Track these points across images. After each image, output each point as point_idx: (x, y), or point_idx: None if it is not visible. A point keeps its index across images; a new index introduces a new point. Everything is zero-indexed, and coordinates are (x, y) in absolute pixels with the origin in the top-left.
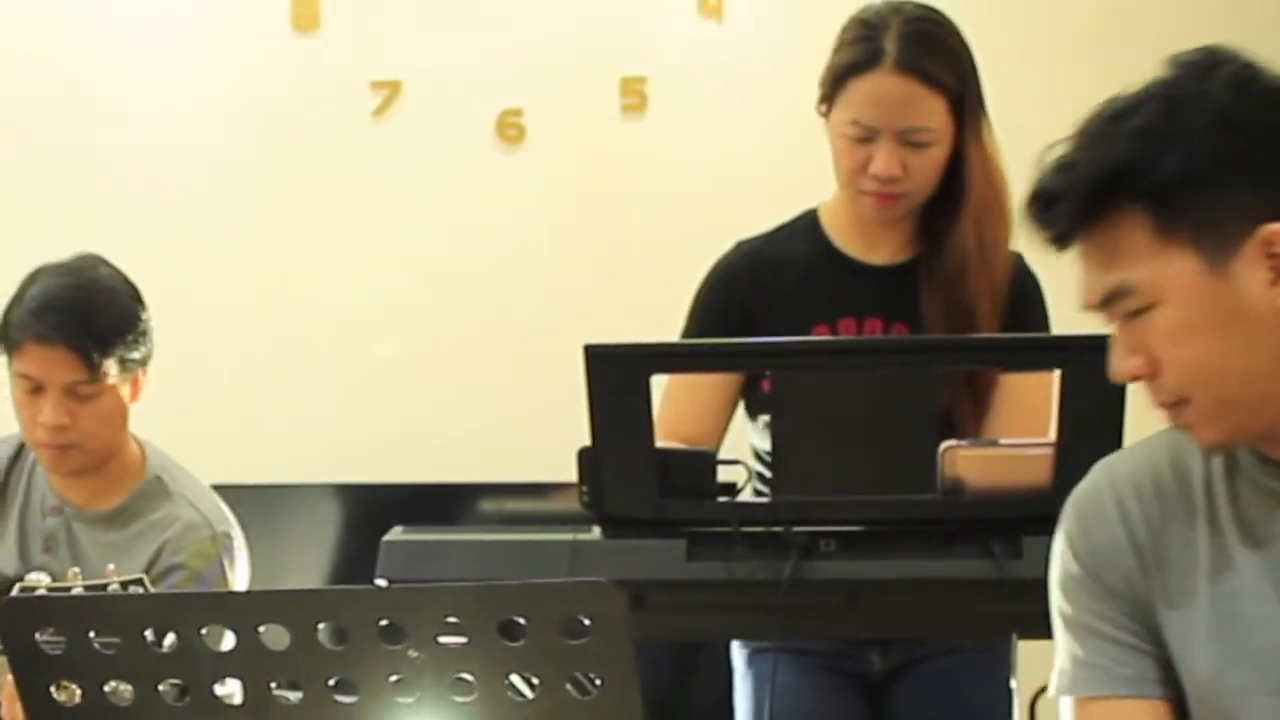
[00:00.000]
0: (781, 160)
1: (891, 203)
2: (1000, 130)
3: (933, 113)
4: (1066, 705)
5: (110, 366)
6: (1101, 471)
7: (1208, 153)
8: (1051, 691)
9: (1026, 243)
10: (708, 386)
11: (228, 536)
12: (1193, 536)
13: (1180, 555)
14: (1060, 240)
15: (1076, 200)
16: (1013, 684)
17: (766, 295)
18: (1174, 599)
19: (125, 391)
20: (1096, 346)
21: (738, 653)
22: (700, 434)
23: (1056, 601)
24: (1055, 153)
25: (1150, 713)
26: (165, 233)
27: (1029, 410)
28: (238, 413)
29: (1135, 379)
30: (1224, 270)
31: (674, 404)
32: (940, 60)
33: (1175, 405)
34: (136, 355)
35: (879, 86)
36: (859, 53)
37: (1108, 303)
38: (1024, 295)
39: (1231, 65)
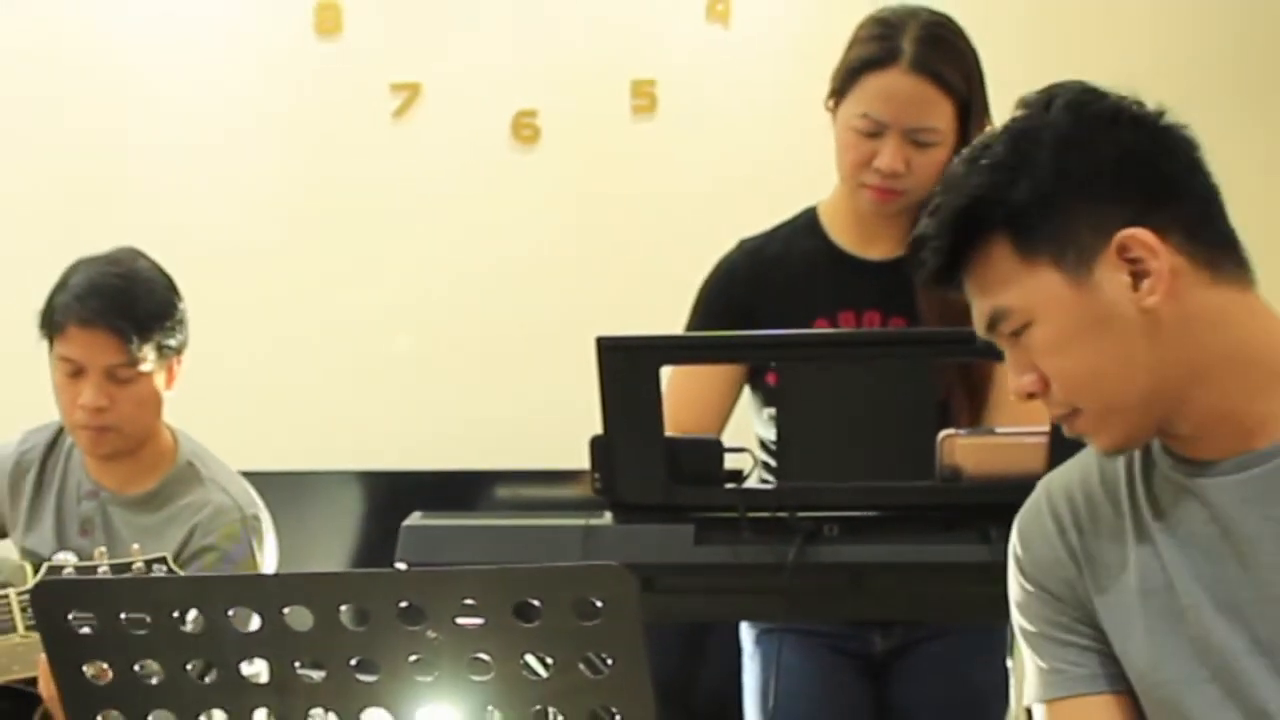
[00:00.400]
0: (784, 160)
1: (890, 198)
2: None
3: (941, 115)
4: (1039, 712)
5: (148, 352)
6: (1040, 489)
7: (1052, 175)
8: (1026, 701)
9: None
10: (709, 377)
11: (256, 520)
12: (1121, 537)
13: (1111, 556)
14: (939, 276)
15: (944, 237)
16: (1009, 664)
17: (769, 290)
18: (1109, 599)
19: (161, 378)
20: None
21: (746, 633)
22: (703, 423)
23: (1017, 620)
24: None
25: (1109, 707)
26: (194, 229)
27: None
28: (264, 402)
29: (1031, 396)
30: (1087, 281)
31: (677, 393)
32: (953, 65)
33: (1069, 417)
34: (173, 342)
35: (893, 84)
36: (876, 50)
37: (992, 326)
38: None
39: (1068, 94)
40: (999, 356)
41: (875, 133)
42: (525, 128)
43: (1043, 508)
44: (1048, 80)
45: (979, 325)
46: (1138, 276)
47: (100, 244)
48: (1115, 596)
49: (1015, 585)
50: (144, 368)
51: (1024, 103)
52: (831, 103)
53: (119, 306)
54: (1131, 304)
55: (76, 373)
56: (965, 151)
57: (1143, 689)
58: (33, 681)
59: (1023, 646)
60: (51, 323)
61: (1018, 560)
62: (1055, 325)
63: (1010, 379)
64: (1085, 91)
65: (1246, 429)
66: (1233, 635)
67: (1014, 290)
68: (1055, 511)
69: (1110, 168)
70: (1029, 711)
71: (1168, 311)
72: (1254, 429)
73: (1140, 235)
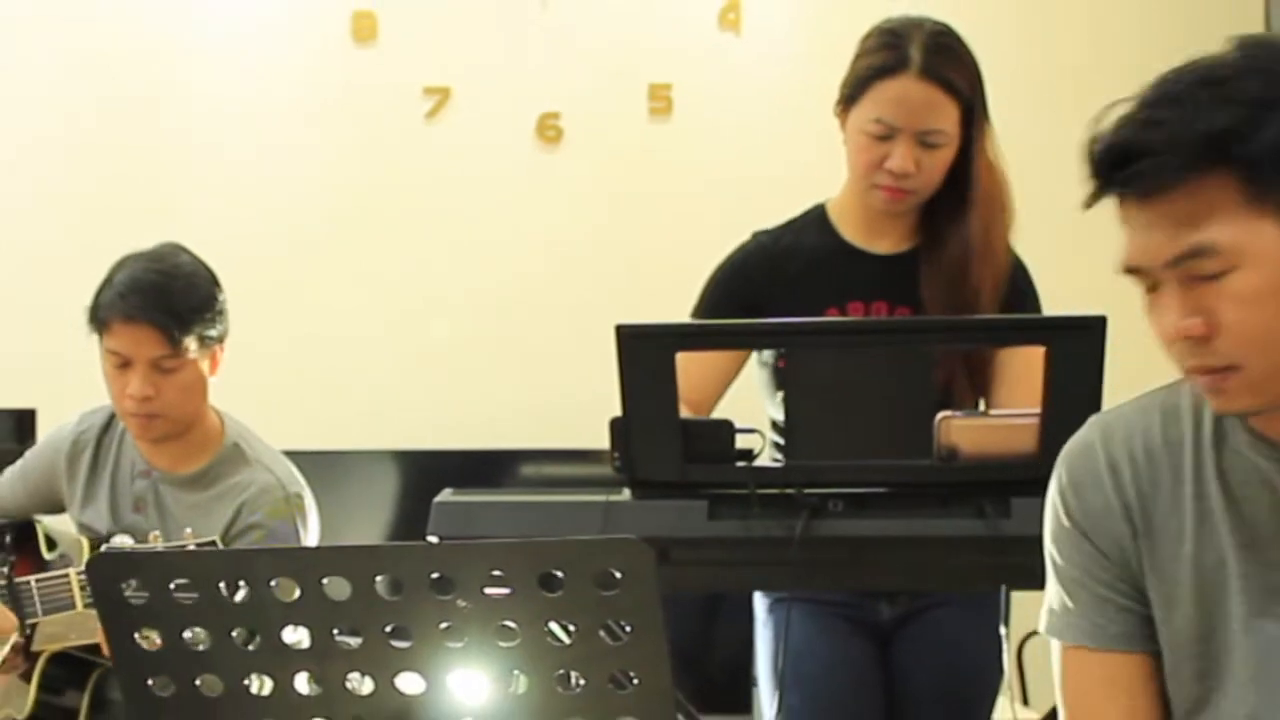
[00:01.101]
0: (792, 158)
1: (902, 197)
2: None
3: (947, 117)
4: (1056, 646)
5: (190, 343)
6: (1095, 429)
7: None
8: (1041, 628)
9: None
10: (713, 360)
11: (299, 497)
12: (1181, 506)
13: (1170, 525)
14: (1144, 194)
15: (1171, 158)
16: (1003, 630)
17: (781, 281)
18: (1160, 566)
19: (204, 366)
20: (1078, 326)
21: (760, 603)
22: (700, 399)
23: (1049, 549)
24: (1123, 111)
25: (1136, 666)
26: (242, 224)
27: (1030, 383)
28: (306, 386)
29: (1187, 339)
30: None
31: (694, 382)
32: (957, 70)
33: (1221, 371)
34: (213, 332)
35: (903, 90)
36: (886, 58)
37: (1180, 261)
38: (1020, 285)
39: None
40: (998, 342)
41: (887, 136)
42: (549, 129)
43: (1099, 453)
44: (1040, 80)
45: (1155, 255)
46: None
47: (156, 237)
48: (1168, 566)
49: (1054, 519)
50: (187, 358)
51: (1252, 41)
52: (841, 109)
53: (160, 302)
54: None
55: (124, 364)
56: (1187, 73)
57: (1178, 658)
58: (89, 649)
59: (1050, 574)
60: (98, 318)
61: (1063, 496)
62: (1262, 277)
63: (1168, 318)
64: None
65: None
66: (1261, 621)
67: (1229, 232)
68: (1113, 462)
69: None
70: (1020, 668)
71: None
72: None
73: None
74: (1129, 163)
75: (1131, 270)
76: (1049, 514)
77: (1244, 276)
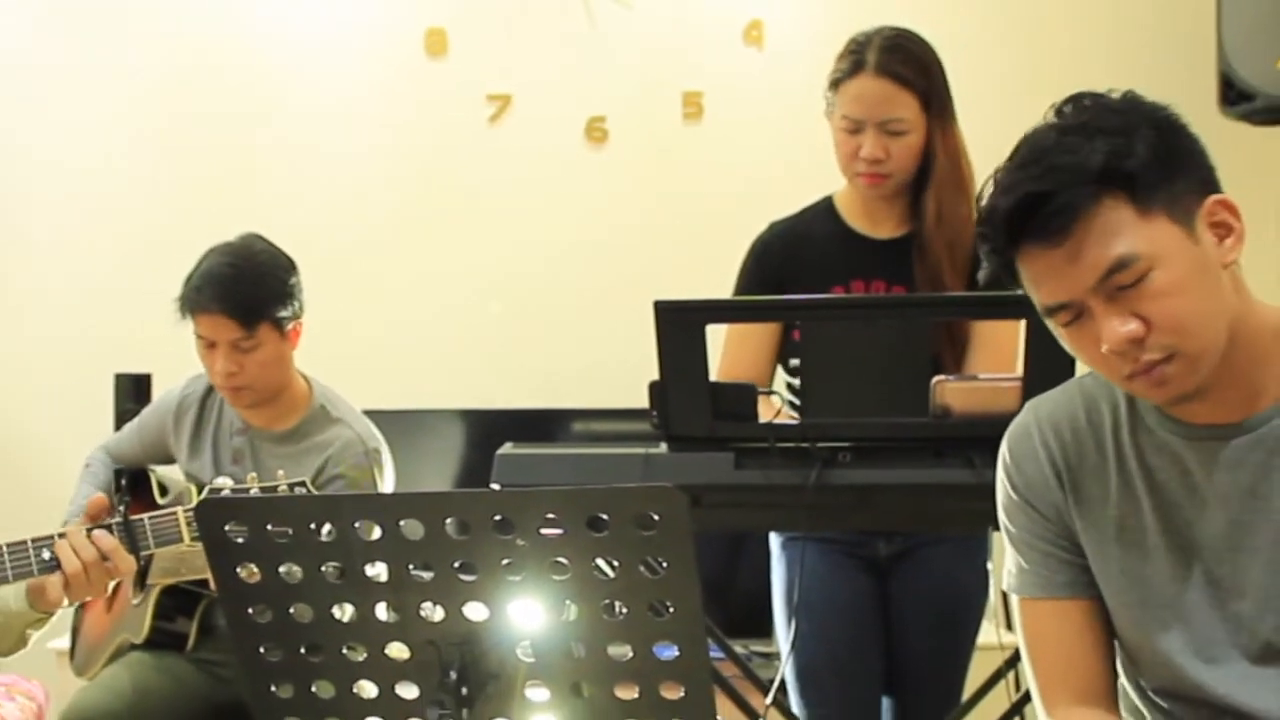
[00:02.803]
0: (806, 158)
1: (879, 181)
2: (974, 123)
3: (905, 106)
4: (1016, 601)
5: (263, 326)
6: (1029, 414)
7: (1162, 144)
8: (1004, 587)
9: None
10: (755, 341)
11: (378, 452)
12: (1104, 476)
13: (1095, 491)
14: (1057, 234)
15: (1072, 195)
16: (989, 566)
17: (796, 263)
18: (1090, 528)
19: (283, 342)
20: None
21: (774, 541)
22: (757, 375)
23: (1002, 519)
24: (1005, 179)
25: (1081, 609)
26: (328, 218)
27: (998, 350)
28: (385, 354)
29: (1127, 344)
30: (1192, 234)
31: (730, 354)
32: (910, 66)
33: (1161, 363)
34: (286, 314)
35: (862, 88)
36: (848, 64)
37: (1105, 278)
38: None
39: (1139, 96)
40: (981, 315)
41: (856, 130)
42: (596, 131)
43: (1034, 435)
44: (1023, 80)
45: (1087, 278)
46: (1220, 236)
47: (251, 227)
48: (1096, 526)
49: (1003, 493)
50: (263, 338)
51: (1096, 96)
52: (828, 112)
53: (231, 294)
54: (1218, 258)
55: (210, 346)
56: (1054, 129)
57: (1114, 606)
58: (197, 583)
59: (1006, 543)
60: (183, 308)
61: (1008, 474)
62: (1175, 270)
63: (1110, 328)
64: (1151, 100)
65: (1242, 397)
66: (1186, 571)
67: (1135, 239)
68: (1045, 441)
69: (1194, 145)
70: (1005, 597)
71: (1232, 272)
72: (1248, 398)
73: (1225, 199)
74: (1033, 211)
75: (1056, 309)
76: (999, 490)
77: (1161, 274)
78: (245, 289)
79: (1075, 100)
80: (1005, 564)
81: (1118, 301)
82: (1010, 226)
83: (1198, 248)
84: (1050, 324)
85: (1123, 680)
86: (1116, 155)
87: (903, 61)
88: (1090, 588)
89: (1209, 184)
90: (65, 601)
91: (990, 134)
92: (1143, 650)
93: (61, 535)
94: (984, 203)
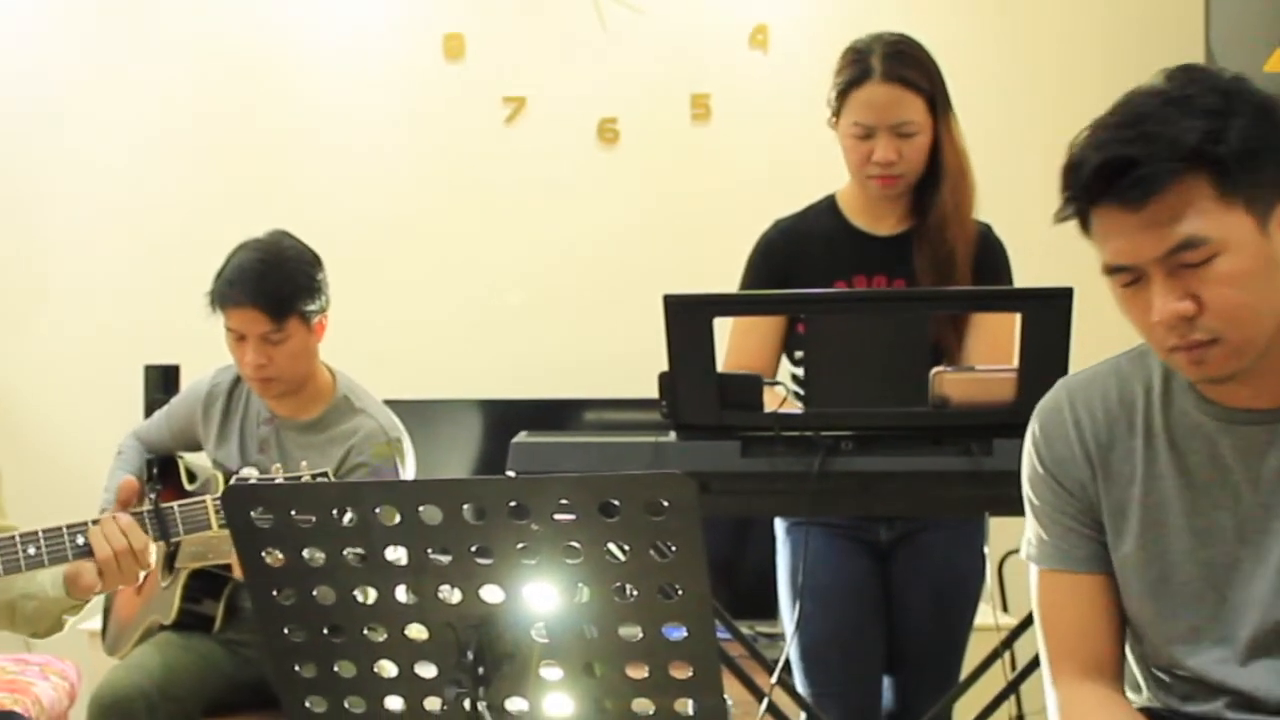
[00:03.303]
0: (809, 157)
1: (893, 182)
2: (971, 122)
3: (914, 109)
4: (1034, 570)
5: (291, 319)
6: (1061, 391)
7: (1257, 132)
8: (1022, 555)
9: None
10: (760, 333)
11: (399, 441)
12: (1132, 455)
13: (1122, 469)
14: (1137, 200)
15: (1159, 166)
16: (986, 550)
17: (800, 259)
18: (1114, 505)
19: (309, 335)
20: (1049, 295)
21: (779, 526)
22: (763, 365)
23: (1026, 491)
24: (1099, 135)
25: (1097, 584)
26: (351, 214)
27: (994, 342)
28: (405, 346)
29: (1176, 320)
30: (1266, 230)
31: (736, 346)
32: (914, 69)
33: (1205, 345)
34: (313, 307)
35: (871, 95)
36: (854, 72)
37: (1172, 253)
38: (991, 256)
39: (1249, 82)
40: (981, 309)
41: (867, 135)
42: (608, 131)
43: (1065, 412)
44: (1021, 77)
45: (1154, 248)
46: None
47: (277, 223)
48: (1121, 504)
49: (1030, 466)
50: (291, 331)
51: (1204, 72)
52: (833, 120)
53: (261, 289)
54: None
55: (240, 338)
56: (1157, 95)
57: (1126, 580)
58: (223, 566)
59: (1028, 511)
60: (214, 302)
61: (1037, 448)
62: (1240, 260)
63: (1161, 302)
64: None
65: (1275, 387)
66: (1205, 551)
67: (1210, 223)
68: (1077, 419)
69: None
70: (1001, 580)
71: None
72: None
73: None
74: (1122, 175)
75: (1117, 269)
76: (1025, 463)
77: (1226, 261)
78: (274, 284)
79: (1186, 70)
80: (1025, 534)
81: (1178, 277)
82: (1093, 182)
83: (1268, 243)
84: (1108, 281)
85: (1131, 659)
86: (1210, 137)
87: (908, 66)
88: (1108, 564)
89: None
90: (99, 588)
91: (986, 131)
92: (1153, 623)
93: (95, 522)
94: (1074, 150)
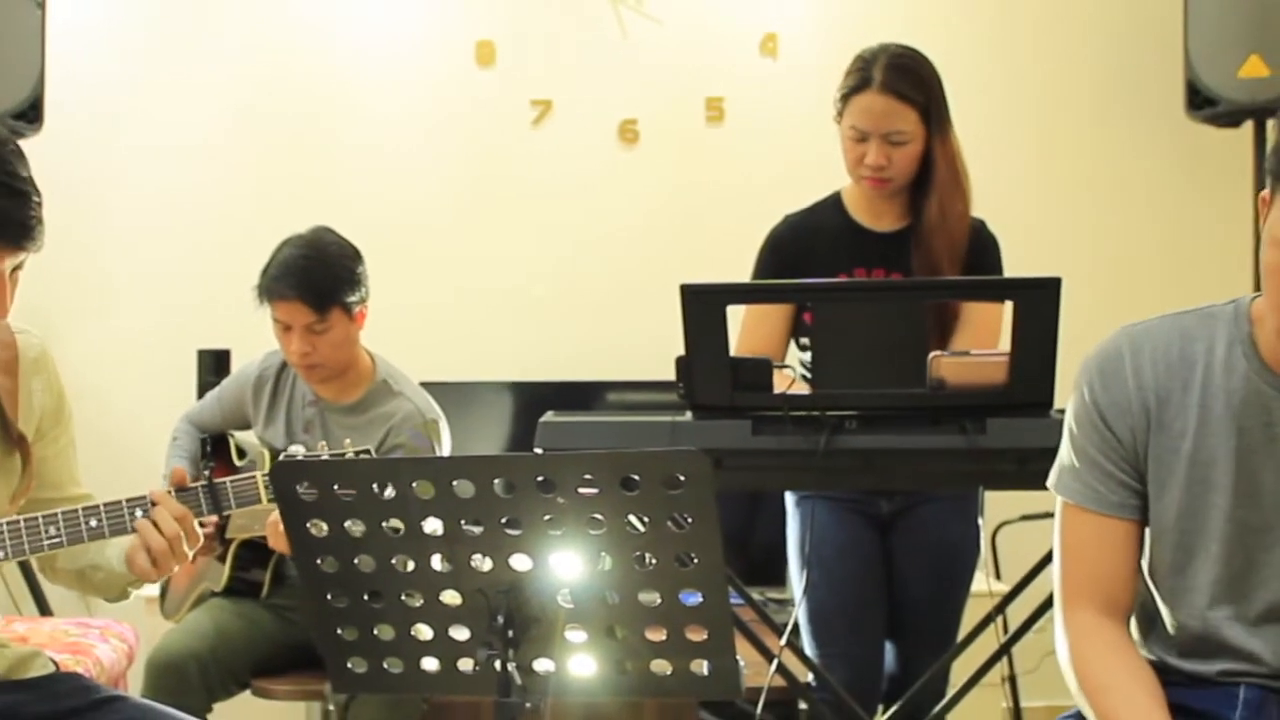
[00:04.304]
0: (816, 157)
1: (882, 184)
2: (968, 121)
3: (907, 120)
4: (1060, 501)
5: (334, 310)
6: (1123, 337)
7: None
8: (1050, 483)
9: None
10: (770, 321)
11: (435, 422)
12: (1185, 411)
13: (1173, 423)
14: None
15: None
16: (980, 521)
17: (805, 253)
18: (1162, 456)
19: (351, 324)
20: (1039, 285)
21: (788, 499)
22: (772, 352)
23: (1069, 422)
24: None
25: (1123, 529)
26: (388, 210)
27: (981, 328)
28: (440, 332)
29: None
30: None
31: (749, 334)
32: (912, 83)
33: None
34: (354, 299)
35: (868, 103)
36: (856, 79)
37: None
38: (983, 248)
39: None
40: (976, 298)
41: (863, 139)
42: (628, 132)
43: (1126, 361)
44: (1015, 82)
45: None
46: None
47: (318, 218)
48: (1168, 456)
49: (1080, 404)
50: (333, 321)
51: None
52: (836, 120)
53: (305, 283)
54: None
55: (286, 329)
56: None
57: (1161, 531)
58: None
59: (1066, 435)
60: (261, 295)
61: (1091, 389)
62: None
63: None
64: None
65: None
66: (1243, 511)
67: None
68: (1138, 368)
69: None
70: (994, 550)
71: None
72: None
73: None
74: None
75: None
76: (1075, 397)
77: None
78: (317, 278)
79: None
80: (1057, 463)
81: None
82: None
83: None
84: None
85: (1138, 609)
86: None
87: (905, 79)
88: (1136, 511)
89: None
90: (153, 574)
91: (982, 131)
92: (1174, 575)
93: (154, 504)
94: None
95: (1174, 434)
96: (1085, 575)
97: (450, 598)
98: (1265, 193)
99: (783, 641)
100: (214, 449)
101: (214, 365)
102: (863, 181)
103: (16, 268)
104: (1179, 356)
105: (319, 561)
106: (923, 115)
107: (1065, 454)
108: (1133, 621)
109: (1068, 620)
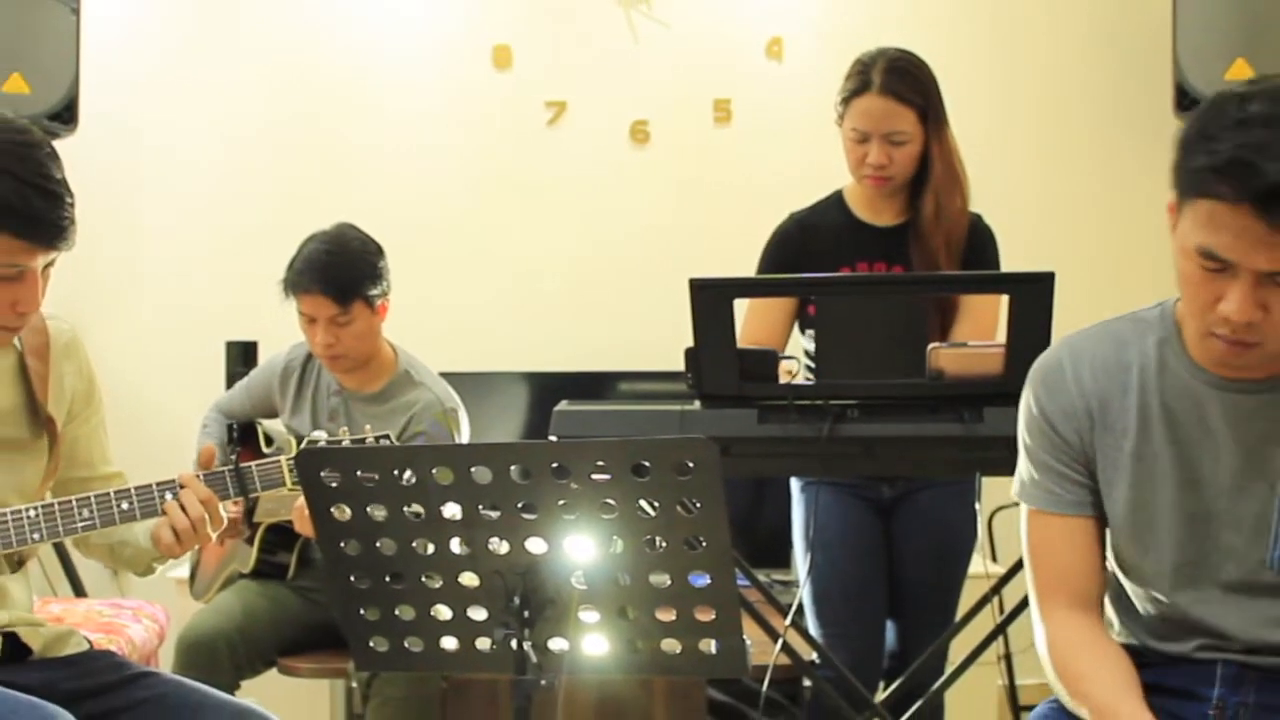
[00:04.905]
0: (820, 157)
1: (883, 183)
2: (965, 121)
3: (906, 121)
4: (1024, 509)
5: (357, 304)
6: (1063, 348)
7: None
8: (1013, 494)
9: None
10: (773, 312)
11: (454, 411)
12: (1125, 412)
13: (1115, 423)
14: None
15: None
16: (977, 506)
17: (809, 248)
18: (1108, 455)
19: (374, 317)
20: (1033, 279)
21: (793, 485)
22: (771, 343)
23: (1022, 434)
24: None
25: (1083, 526)
26: (409, 206)
27: (980, 318)
28: (458, 324)
29: (1248, 322)
30: None
31: (752, 323)
32: (910, 86)
33: (1248, 346)
34: (376, 292)
35: (868, 105)
36: (856, 83)
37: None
38: (980, 242)
39: None
40: (973, 291)
41: (863, 140)
42: (639, 133)
43: (1067, 369)
44: (1010, 85)
45: (1267, 263)
46: None
47: (342, 215)
48: (1114, 454)
49: (1028, 414)
50: (356, 314)
51: None
52: (839, 120)
53: (329, 277)
54: None
55: (311, 321)
56: None
57: (1117, 525)
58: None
59: (1021, 451)
60: (287, 289)
61: (1038, 399)
62: None
63: (1239, 305)
64: None
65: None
66: (1188, 502)
67: None
68: (1079, 376)
69: None
70: (990, 533)
71: None
72: (1274, 361)
73: None
74: None
75: (1213, 257)
76: (1024, 409)
77: None
78: (341, 273)
79: None
80: (1017, 475)
81: (1264, 287)
82: (1263, 192)
83: None
84: (1193, 255)
85: (1110, 599)
86: None
87: (904, 82)
88: (1094, 508)
89: None
90: (178, 550)
91: (979, 129)
92: (1138, 564)
93: (183, 486)
94: (1242, 150)
95: (1117, 434)
96: (1054, 574)
97: (468, 579)
98: (1171, 201)
99: (787, 621)
100: (243, 437)
101: (241, 356)
102: (865, 180)
103: (48, 265)
104: (1115, 362)
105: (342, 545)
106: (921, 116)
107: (1022, 465)
108: (1109, 608)
109: (1043, 618)
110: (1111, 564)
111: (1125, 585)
